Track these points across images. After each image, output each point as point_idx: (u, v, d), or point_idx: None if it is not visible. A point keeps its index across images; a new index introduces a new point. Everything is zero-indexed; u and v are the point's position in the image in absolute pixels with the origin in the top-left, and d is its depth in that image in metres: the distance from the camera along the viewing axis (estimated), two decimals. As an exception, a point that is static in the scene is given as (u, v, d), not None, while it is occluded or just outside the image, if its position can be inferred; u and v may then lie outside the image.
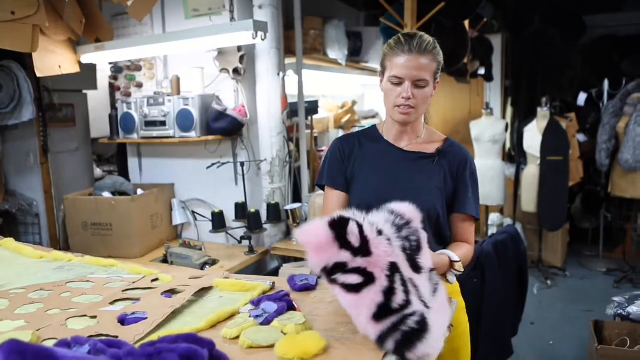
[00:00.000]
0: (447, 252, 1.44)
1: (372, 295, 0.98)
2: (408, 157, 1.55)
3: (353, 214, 1.07)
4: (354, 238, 1.01)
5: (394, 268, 1.02)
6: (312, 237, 1.02)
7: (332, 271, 1.01)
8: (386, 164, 1.55)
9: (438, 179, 1.52)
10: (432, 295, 1.08)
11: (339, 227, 1.02)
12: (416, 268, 1.08)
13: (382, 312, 0.96)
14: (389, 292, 0.98)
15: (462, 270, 1.42)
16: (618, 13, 5.82)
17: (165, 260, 2.80)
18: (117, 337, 1.13)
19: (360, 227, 1.03)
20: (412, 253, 1.09)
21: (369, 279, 0.99)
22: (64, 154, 3.40)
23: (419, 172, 1.53)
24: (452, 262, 1.41)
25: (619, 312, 2.67)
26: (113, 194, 3.05)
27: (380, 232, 1.05)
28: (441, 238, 1.56)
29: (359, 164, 1.58)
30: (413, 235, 1.12)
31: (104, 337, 1.12)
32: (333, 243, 1.00)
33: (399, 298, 0.98)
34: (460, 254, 1.46)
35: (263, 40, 2.59)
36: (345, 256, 1.00)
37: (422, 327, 0.95)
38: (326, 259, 1.01)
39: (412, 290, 1.00)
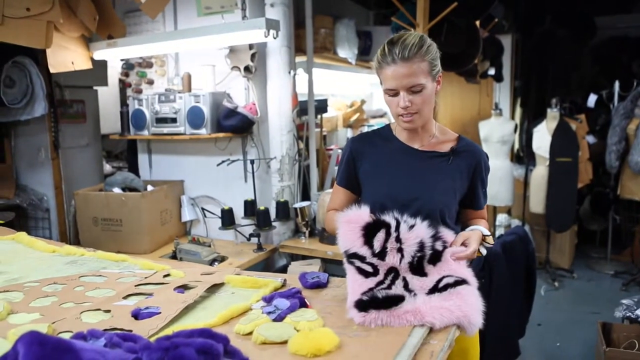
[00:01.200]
0: (479, 227, 1.48)
1: (370, 283, 1.27)
2: (422, 156, 1.55)
3: (390, 218, 1.32)
4: (377, 244, 1.29)
5: (392, 270, 1.30)
6: (349, 224, 1.31)
7: (352, 256, 1.30)
8: (400, 164, 1.55)
9: (452, 178, 1.53)
10: (430, 290, 1.26)
11: (372, 228, 1.30)
12: (420, 271, 1.31)
13: (367, 292, 1.25)
14: (379, 283, 1.28)
15: (493, 243, 1.48)
16: (628, 14, 5.78)
17: (174, 257, 2.82)
18: (131, 331, 1.14)
19: (387, 235, 1.30)
20: (419, 261, 1.31)
21: (375, 271, 1.30)
22: (74, 150, 3.43)
23: (433, 172, 1.53)
24: (484, 237, 1.45)
25: (627, 314, 2.66)
26: (123, 189, 3.07)
27: (400, 248, 1.30)
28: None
29: (372, 164, 1.58)
30: (435, 247, 1.33)
31: (118, 331, 1.13)
32: (360, 238, 1.30)
33: (383, 286, 1.28)
34: (485, 228, 1.52)
35: (275, 38, 2.60)
36: (365, 251, 1.30)
37: (372, 302, 1.20)
38: (351, 246, 1.31)
39: (398, 283, 1.27)
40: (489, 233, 1.47)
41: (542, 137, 4.52)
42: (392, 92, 1.45)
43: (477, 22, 3.85)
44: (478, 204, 1.61)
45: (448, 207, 1.52)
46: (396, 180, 1.53)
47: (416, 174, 1.53)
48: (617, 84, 4.71)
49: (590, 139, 5.05)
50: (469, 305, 1.18)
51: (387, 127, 1.66)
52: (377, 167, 1.57)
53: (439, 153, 1.55)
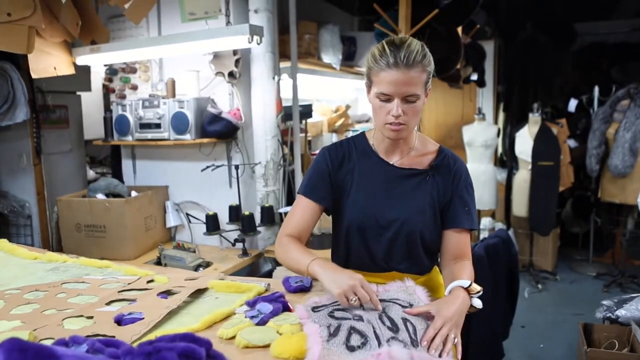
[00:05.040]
0: (457, 282, 1.32)
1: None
2: (400, 174, 1.48)
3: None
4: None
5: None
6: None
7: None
8: (378, 182, 1.48)
9: (431, 196, 1.46)
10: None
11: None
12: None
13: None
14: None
15: (479, 289, 1.31)
16: (608, 21, 5.90)
17: (158, 263, 2.80)
18: (114, 337, 1.14)
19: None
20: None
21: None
22: (57, 156, 3.40)
23: (412, 190, 1.46)
24: (467, 289, 1.30)
25: (607, 315, 2.70)
26: (107, 195, 3.05)
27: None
28: (431, 253, 1.54)
29: (349, 180, 1.49)
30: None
31: (101, 337, 1.13)
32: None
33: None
34: (467, 276, 1.37)
35: (259, 44, 2.61)
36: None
37: None
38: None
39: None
40: (469, 282, 1.30)
41: (525, 141, 4.59)
42: (385, 98, 1.34)
43: (460, 29, 3.90)
44: (461, 221, 1.47)
45: (428, 227, 1.46)
46: (375, 200, 1.46)
47: (394, 194, 1.46)
48: (596, 89, 4.80)
49: (572, 143, 5.14)
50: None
51: (363, 137, 1.56)
52: (354, 185, 1.48)
53: (417, 170, 1.47)
